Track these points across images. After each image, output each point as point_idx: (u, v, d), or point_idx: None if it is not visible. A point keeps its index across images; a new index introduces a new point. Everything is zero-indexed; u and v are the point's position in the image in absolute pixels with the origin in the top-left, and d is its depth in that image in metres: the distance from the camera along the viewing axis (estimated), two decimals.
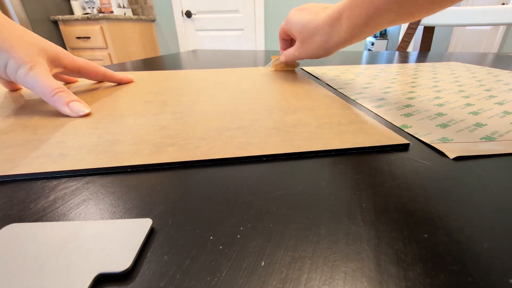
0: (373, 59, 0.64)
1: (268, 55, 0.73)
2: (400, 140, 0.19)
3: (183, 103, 0.27)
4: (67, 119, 0.23)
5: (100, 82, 0.38)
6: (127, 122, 0.22)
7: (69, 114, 0.24)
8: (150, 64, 0.57)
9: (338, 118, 0.23)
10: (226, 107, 0.26)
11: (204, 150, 0.17)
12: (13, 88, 0.33)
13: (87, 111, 0.24)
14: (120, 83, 0.37)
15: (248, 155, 0.17)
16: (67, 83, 0.37)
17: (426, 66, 0.52)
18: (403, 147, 0.18)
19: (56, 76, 0.36)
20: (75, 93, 0.32)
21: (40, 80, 0.24)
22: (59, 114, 0.24)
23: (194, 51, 0.85)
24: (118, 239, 0.10)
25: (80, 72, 0.33)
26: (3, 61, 0.24)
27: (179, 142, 0.18)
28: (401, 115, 0.25)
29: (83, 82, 0.38)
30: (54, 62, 0.28)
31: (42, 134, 0.20)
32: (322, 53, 0.35)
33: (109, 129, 0.21)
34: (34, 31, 1.83)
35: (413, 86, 0.35)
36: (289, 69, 0.47)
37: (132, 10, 2.30)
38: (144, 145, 0.18)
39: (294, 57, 0.40)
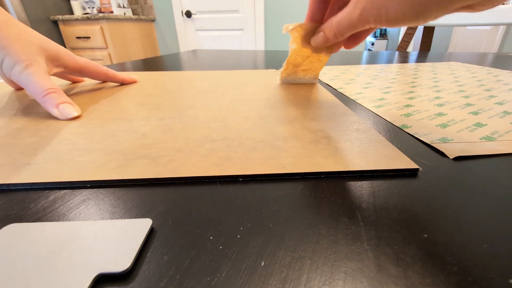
0: (373, 59, 0.64)
1: (268, 55, 0.73)
2: (408, 163, 0.16)
3: (176, 107, 0.26)
4: (53, 122, 0.23)
5: (103, 82, 0.37)
6: (110, 128, 0.21)
7: (57, 116, 0.23)
8: (150, 64, 0.56)
9: (337, 132, 0.20)
10: (219, 113, 0.25)
11: (176, 165, 0.16)
12: (18, 86, 0.33)
13: (75, 114, 0.23)
14: (123, 83, 0.36)
15: (222, 175, 0.15)
16: (73, 82, 0.37)
17: (426, 66, 0.52)
18: (411, 173, 0.15)
19: (61, 76, 0.36)
20: (77, 93, 0.32)
21: (34, 79, 0.24)
22: (49, 117, 0.24)
23: (194, 51, 0.85)
24: (118, 239, 0.10)
25: (81, 72, 0.32)
26: (0, 58, 0.24)
27: (152, 154, 0.17)
28: (401, 115, 0.25)
29: (88, 82, 0.38)
30: (54, 61, 0.28)
31: (23, 137, 0.20)
32: (409, 12, 0.17)
33: (88, 135, 0.20)
34: None
35: (413, 86, 0.35)
36: (306, 82, 0.36)
37: (132, 10, 2.29)
38: (115, 156, 0.17)
39: (351, 21, 0.21)
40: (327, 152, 0.17)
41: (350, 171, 0.15)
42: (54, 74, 0.30)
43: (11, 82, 0.33)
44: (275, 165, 0.16)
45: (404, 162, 0.16)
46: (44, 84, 0.24)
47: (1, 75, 0.32)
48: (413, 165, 0.16)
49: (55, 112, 0.23)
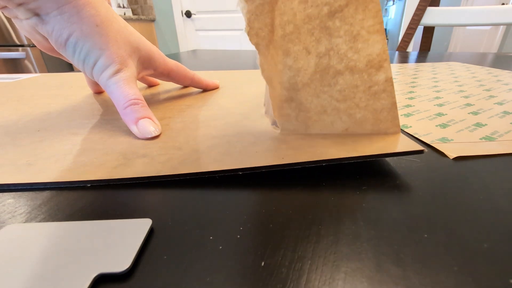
0: None
1: None
2: (412, 146, 0.15)
3: (175, 107, 0.26)
4: (53, 122, 0.22)
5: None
6: (111, 127, 0.21)
7: (136, 134, 0.20)
8: None
9: None
10: (219, 112, 0.25)
11: (175, 163, 0.16)
12: (97, 90, 0.32)
13: (153, 134, 0.20)
14: (206, 89, 0.33)
15: (221, 169, 0.15)
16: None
17: (426, 66, 0.52)
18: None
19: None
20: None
21: (120, 86, 0.22)
22: (48, 117, 0.24)
23: (194, 51, 0.85)
24: (118, 239, 0.10)
25: (169, 76, 0.29)
26: (94, 58, 0.22)
27: (152, 153, 0.17)
28: (401, 115, 0.25)
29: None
30: (145, 63, 0.26)
31: (23, 137, 0.20)
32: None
33: (88, 135, 0.20)
34: None
35: (413, 86, 0.35)
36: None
37: (132, 10, 2.29)
38: (115, 156, 0.17)
39: None
40: (329, 141, 0.17)
41: (352, 157, 0.15)
42: (140, 77, 0.27)
43: (93, 84, 0.31)
44: (274, 157, 0.16)
45: (408, 145, 0.16)
46: (129, 93, 0.21)
47: (86, 76, 0.29)
48: (418, 147, 0.15)
49: (133, 129, 0.20)
